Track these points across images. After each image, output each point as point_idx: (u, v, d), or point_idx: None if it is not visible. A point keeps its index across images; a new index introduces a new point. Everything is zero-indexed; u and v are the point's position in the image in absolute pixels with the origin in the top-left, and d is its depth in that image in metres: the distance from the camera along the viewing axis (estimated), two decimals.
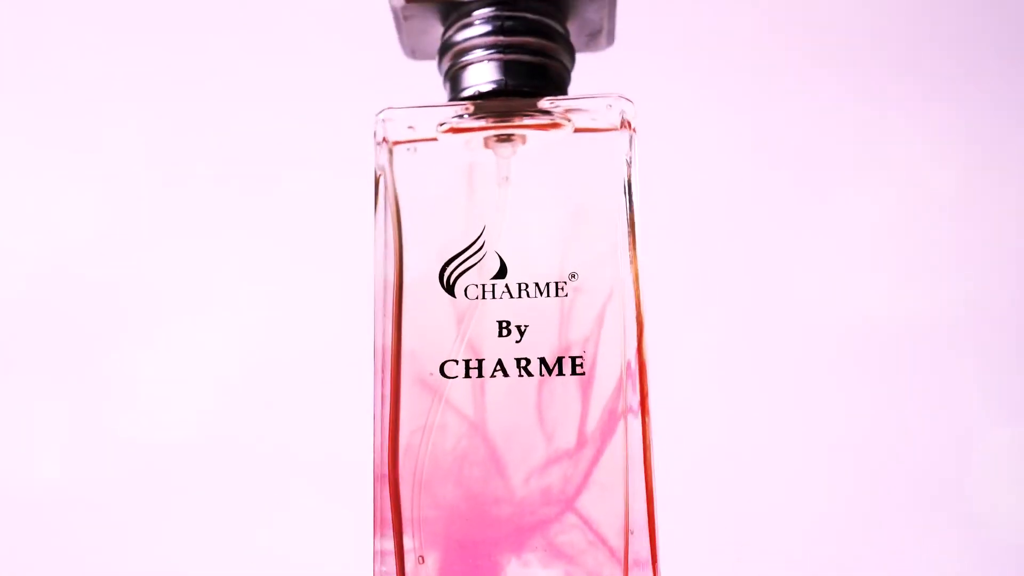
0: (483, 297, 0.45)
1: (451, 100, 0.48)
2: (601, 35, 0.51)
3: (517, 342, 0.45)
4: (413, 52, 0.52)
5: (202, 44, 0.83)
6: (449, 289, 0.46)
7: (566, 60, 0.49)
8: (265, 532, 0.76)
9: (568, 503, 0.44)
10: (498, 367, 0.45)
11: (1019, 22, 0.86)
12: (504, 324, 0.45)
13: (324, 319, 0.79)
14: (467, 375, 0.45)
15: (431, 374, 0.45)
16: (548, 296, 0.46)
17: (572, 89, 0.50)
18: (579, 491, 0.44)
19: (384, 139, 0.47)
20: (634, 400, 0.45)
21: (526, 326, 0.45)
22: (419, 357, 0.45)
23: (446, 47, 0.48)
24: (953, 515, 0.78)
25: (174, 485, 0.76)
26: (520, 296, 0.46)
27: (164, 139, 0.82)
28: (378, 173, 0.47)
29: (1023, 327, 0.81)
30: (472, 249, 0.46)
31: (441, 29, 0.49)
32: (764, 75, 0.84)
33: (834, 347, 0.81)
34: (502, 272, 0.46)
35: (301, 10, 0.84)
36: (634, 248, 0.46)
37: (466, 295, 0.45)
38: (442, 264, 0.46)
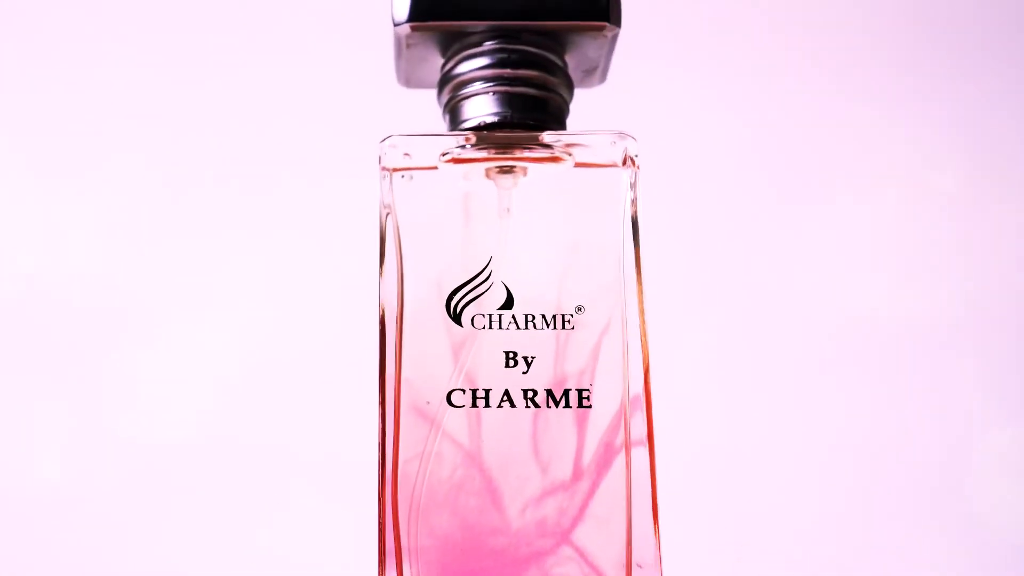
0: (490, 327, 0.45)
1: (452, 130, 0.48)
2: (596, 73, 0.52)
3: (524, 373, 0.45)
4: (408, 81, 0.52)
5: (203, 44, 0.83)
6: (456, 318, 0.46)
7: (566, 94, 0.49)
8: (265, 532, 0.76)
9: (564, 535, 0.44)
10: (505, 397, 0.45)
11: (1019, 22, 0.86)
12: (511, 355, 0.45)
13: (324, 319, 0.79)
14: (474, 404, 0.45)
15: (427, 403, 0.45)
16: (555, 328, 0.46)
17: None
18: (575, 523, 0.44)
19: (386, 166, 0.47)
20: (639, 434, 0.45)
21: (533, 357, 0.45)
22: (416, 385, 0.45)
23: (448, 77, 0.49)
24: (953, 515, 0.78)
25: (174, 485, 0.76)
26: (527, 327, 0.45)
27: (164, 139, 0.82)
28: (384, 212, 0.47)
29: (1023, 327, 0.81)
30: (479, 279, 0.46)
31: (439, 60, 0.50)
32: (764, 75, 0.84)
33: (834, 347, 0.81)
34: (509, 303, 0.46)
35: (302, 12, 0.84)
36: (640, 283, 0.46)
37: (473, 324, 0.45)
38: (444, 292, 0.46)
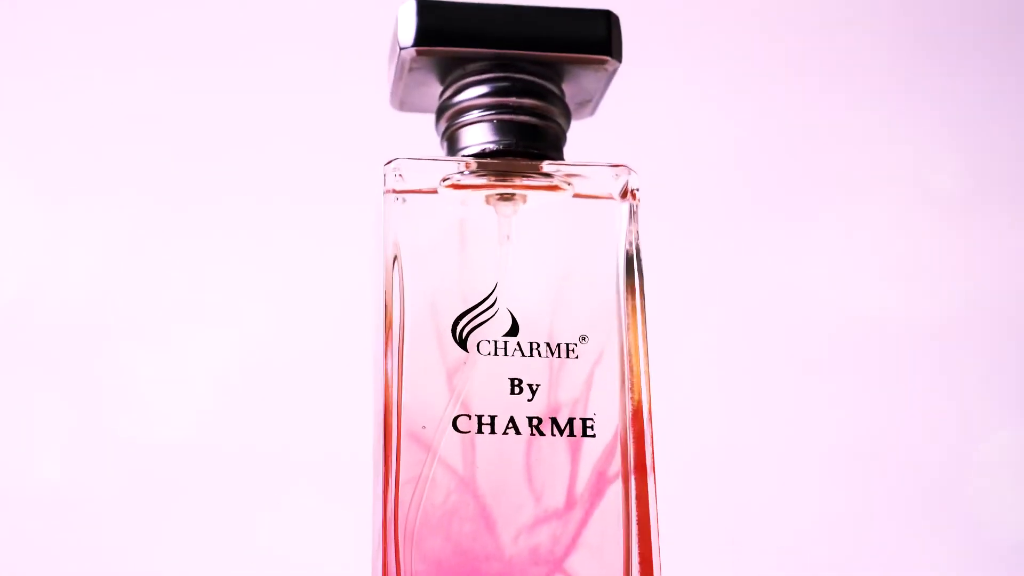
0: (495, 354, 0.45)
1: (453, 156, 0.49)
2: (589, 105, 0.52)
3: (529, 400, 0.45)
4: (402, 104, 0.52)
5: (199, 47, 0.83)
6: (462, 343, 0.46)
7: (564, 123, 0.49)
8: (265, 532, 0.76)
9: (557, 564, 0.44)
10: (510, 425, 0.45)
11: (1018, 22, 0.86)
12: (516, 382, 0.45)
13: (325, 319, 0.79)
14: (479, 431, 0.45)
15: (423, 427, 0.45)
16: (559, 356, 0.46)
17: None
18: (568, 552, 0.44)
19: (389, 189, 0.47)
20: (641, 463, 0.45)
21: (537, 385, 0.45)
22: (414, 409, 0.45)
23: (450, 104, 0.49)
24: (953, 515, 0.78)
25: (174, 485, 0.76)
26: (532, 355, 0.46)
27: (164, 138, 0.82)
28: (386, 233, 0.46)
29: (1023, 327, 0.81)
30: (484, 305, 0.46)
31: (438, 86, 0.50)
32: (763, 75, 0.84)
33: (834, 347, 0.81)
34: (514, 330, 0.46)
35: (302, 15, 0.84)
36: (643, 313, 0.46)
37: (479, 351, 0.45)
38: (443, 316, 0.46)
